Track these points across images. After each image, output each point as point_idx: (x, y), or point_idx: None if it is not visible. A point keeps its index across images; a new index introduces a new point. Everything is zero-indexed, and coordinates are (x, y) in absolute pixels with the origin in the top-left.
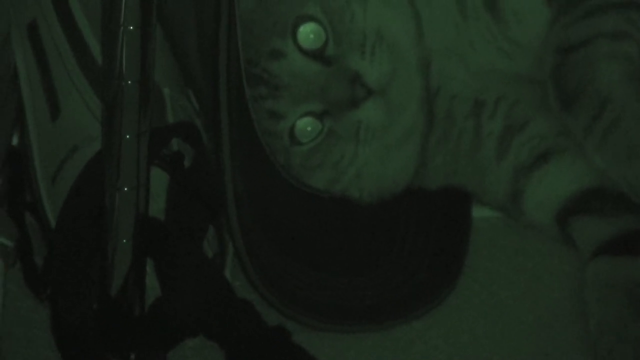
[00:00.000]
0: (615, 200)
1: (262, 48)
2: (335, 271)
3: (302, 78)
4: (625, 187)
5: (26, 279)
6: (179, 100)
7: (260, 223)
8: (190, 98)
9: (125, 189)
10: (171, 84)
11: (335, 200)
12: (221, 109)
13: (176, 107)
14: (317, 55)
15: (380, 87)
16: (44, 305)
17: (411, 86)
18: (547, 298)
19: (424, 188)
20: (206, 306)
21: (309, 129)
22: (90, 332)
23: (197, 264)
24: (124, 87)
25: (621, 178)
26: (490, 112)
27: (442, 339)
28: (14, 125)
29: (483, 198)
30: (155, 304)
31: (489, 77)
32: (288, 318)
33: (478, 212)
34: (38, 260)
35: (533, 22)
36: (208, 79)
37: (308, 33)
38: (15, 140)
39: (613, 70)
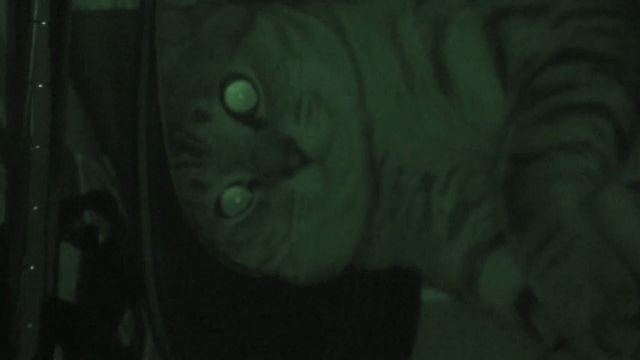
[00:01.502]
0: None
1: (186, 109)
2: None
3: (229, 143)
4: (560, 323)
5: None
6: (93, 167)
7: (184, 306)
8: (105, 164)
9: (32, 267)
10: (84, 149)
11: (268, 281)
12: (140, 178)
13: (90, 174)
14: (247, 117)
15: (317, 154)
16: None
17: (352, 154)
18: None
19: (368, 267)
20: None
21: (237, 200)
22: None
23: (111, 353)
24: (32, 152)
25: (557, 315)
26: (441, 186)
27: None
28: None
29: (434, 280)
30: None
31: (439, 150)
32: None
33: (428, 295)
34: None
35: (491, 108)
36: (126, 144)
37: (237, 93)
38: None
39: (569, 195)
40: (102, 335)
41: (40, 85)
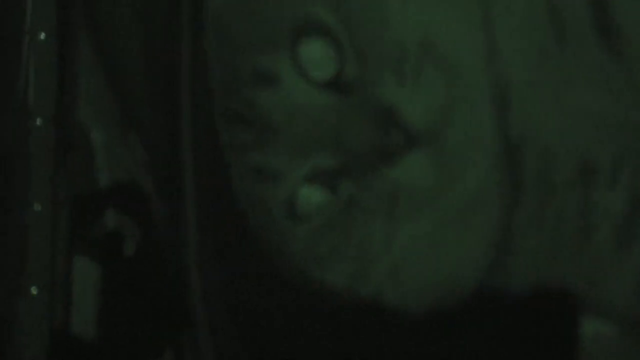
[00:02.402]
0: None
1: (244, 68)
2: None
3: (305, 117)
4: None
5: None
6: (116, 150)
7: (244, 342)
8: (133, 145)
9: (34, 290)
10: (105, 124)
11: (362, 307)
12: (183, 164)
13: (112, 160)
14: (330, 81)
15: (429, 130)
16: None
17: (480, 129)
18: None
19: (506, 290)
20: None
21: (317, 196)
22: None
23: None
24: (31, 128)
25: None
26: (606, 179)
27: None
28: None
29: (598, 306)
30: None
31: (601, 128)
32: None
33: (590, 327)
34: None
35: None
36: (162, 116)
37: (315, 48)
38: None
39: None
40: None
41: (41, 36)
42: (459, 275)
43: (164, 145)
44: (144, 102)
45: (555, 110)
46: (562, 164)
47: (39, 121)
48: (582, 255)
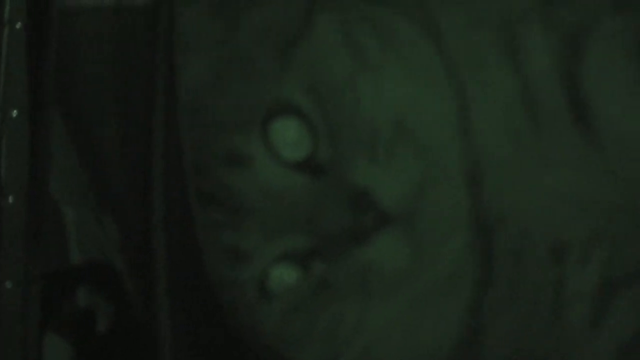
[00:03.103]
0: None
1: (217, 149)
2: None
3: (277, 198)
4: None
5: None
6: (88, 228)
7: None
8: (105, 224)
9: None
10: (77, 202)
11: None
12: (155, 244)
13: (85, 238)
14: (303, 162)
15: (402, 210)
16: None
17: (453, 209)
18: None
19: None
20: None
21: (289, 277)
22: None
23: None
24: (3, 205)
25: None
26: (578, 257)
27: None
28: None
29: None
30: None
31: (575, 208)
32: None
33: None
34: None
35: None
36: (135, 196)
37: (288, 128)
38: None
39: None
40: None
41: (13, 113)
42: (431, 355)
43: (137, 223)
44: (117, 181)
45: (529, 190)
46: (535, 244)
47: (10, 199)
48: (556, 334)
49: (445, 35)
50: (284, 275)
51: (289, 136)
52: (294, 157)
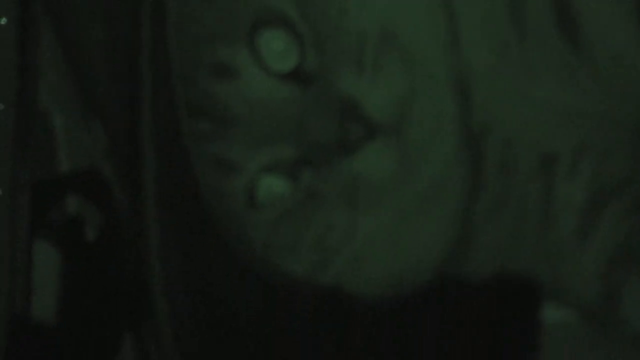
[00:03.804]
0: None
1: (203, 59)
2: None
3: (264, 108)
4: None
5: None
6: (77, 135)
7: (205, 331)
8: (94, 131)
9: None
10: (66, 110)
11: (323, 295)
12: (144, 151)
13: (73, 146)
14: (290, 72)
15: (389, 121)
16: None
17: (440, 119)
18: None
19: (466, 276)
20: None
21: (277, 185)
22: None
23: None
24: None
25: None
26: (567, 168)
27: None
28: None
29: (559, 294)
30: None
31: (562, 119)
32: None
33: (551, 315)
34: None
35: (632, 69)
36: (122, 102)
37: (275, 39)
38: None
39: None
40: None
41: (2, 21)
42: (420, 265)
43: (125, 132)
44: (105, 89)
45: (516, 101)
46: (523, 155)
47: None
48: (544, 245)
49: None
50: (273, 185)
51: (275, 46)
52: (281, 68)
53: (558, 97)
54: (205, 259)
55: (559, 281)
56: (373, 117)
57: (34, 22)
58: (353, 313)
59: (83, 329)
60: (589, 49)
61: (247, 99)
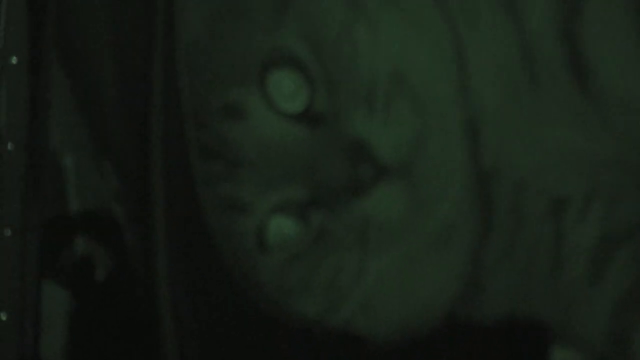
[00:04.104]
0: None
1: (214, 101)
2: None
3: (275, 150)
4: None
5: None
6: (88, 177)
7: None
8: (105, 172)
9: (3, 315)
10: (77, 152)
11: (334, 336)
12: (154, 194)
13: (84, 186)
14: (300, 113)
15: (400, 163)
16: None
17: (451, 161)
18: None
19: (477, 319)
20: None
21: (288, 226)
22: None
23: None
24: (2, 152)
25: None
26: (577, 213)
27: None
28: None
29: (569, 337)
30: None
31: (573, 164)
32: None
33: (560, 357)
34: None
35: None
36: (134, 145)
37: (285, 79)
38: None
39: None
40: None
41: (13, 60)
42: (430, 307)
43: (136, 173)
44: (116, 131)
45: (527, 145)
46: (533, 198)
47: (10, 146)
48: (554, 288)
49: None
50: (282, 226)
51: (286, 87)
52: (292, 109)
53: (568, 141)
54: (215, 300)
55: (568, 324)
56: (383, 158)
57: (45, 61)
58: (363, 355)
59: None
60: (599, 94)
61: (257, 140)
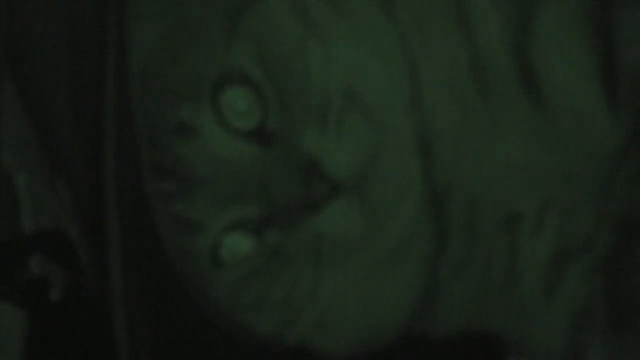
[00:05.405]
0: None
1: (166, 119)
2: None
3: (228, 167)
4: None
5: None
6: (41, 195)
7: None
8: (59, 190)
9: None
10: (29, 168)
11: (289, 354)
12: (108, 211)
13: (37, 205)
14: (252, 132)
15: (353, 180)
16: None
17: (404, 178)
18: None
19: (432, 335)
20: None
21: (242, 244)
22: None
23: None
24: None
25: None
26: (531, 227)
27: None
28: None
29: (526, 351)
30: None
31: (526, 178)
32: None
33: None
34: None
35: (598, 127)
36: (87, 163)
37: (236, 97)
38: None
39: None
40: None
41: None
42: (385, 322)
43: (90, 191)
44: (69, 148)
45: (480, 160)
46: (487, 213)
47: None
48: (510, 302)
49: (396, 3)
50: (237, 244)
51: (238, 105)
52: (244, 127)
53: (521, 155)
54: (171, 318)
55: (525, 338)
56: (336, 176)
57: None
58: None
59: None
60: (551, 109)
61: (210, 158)
